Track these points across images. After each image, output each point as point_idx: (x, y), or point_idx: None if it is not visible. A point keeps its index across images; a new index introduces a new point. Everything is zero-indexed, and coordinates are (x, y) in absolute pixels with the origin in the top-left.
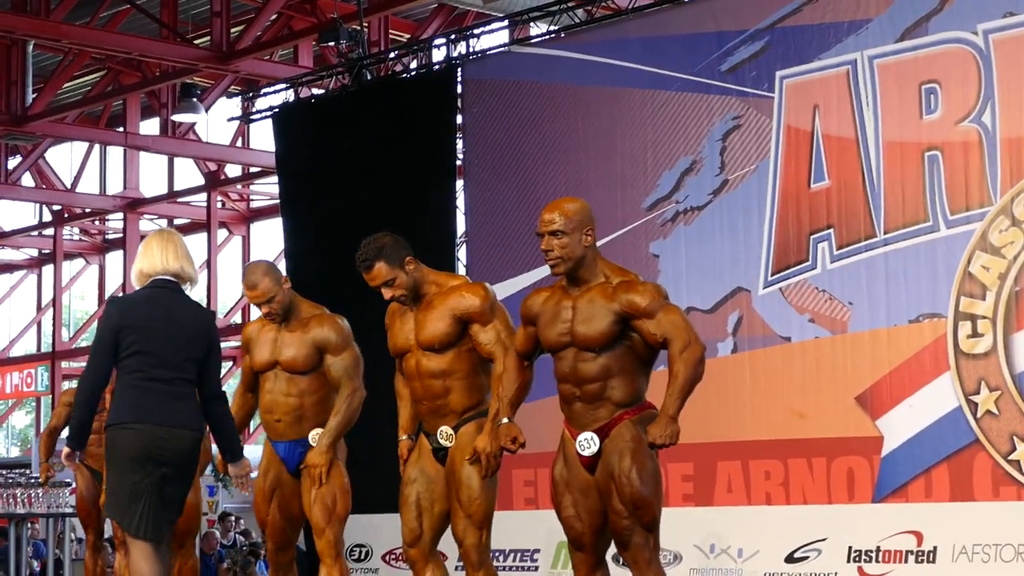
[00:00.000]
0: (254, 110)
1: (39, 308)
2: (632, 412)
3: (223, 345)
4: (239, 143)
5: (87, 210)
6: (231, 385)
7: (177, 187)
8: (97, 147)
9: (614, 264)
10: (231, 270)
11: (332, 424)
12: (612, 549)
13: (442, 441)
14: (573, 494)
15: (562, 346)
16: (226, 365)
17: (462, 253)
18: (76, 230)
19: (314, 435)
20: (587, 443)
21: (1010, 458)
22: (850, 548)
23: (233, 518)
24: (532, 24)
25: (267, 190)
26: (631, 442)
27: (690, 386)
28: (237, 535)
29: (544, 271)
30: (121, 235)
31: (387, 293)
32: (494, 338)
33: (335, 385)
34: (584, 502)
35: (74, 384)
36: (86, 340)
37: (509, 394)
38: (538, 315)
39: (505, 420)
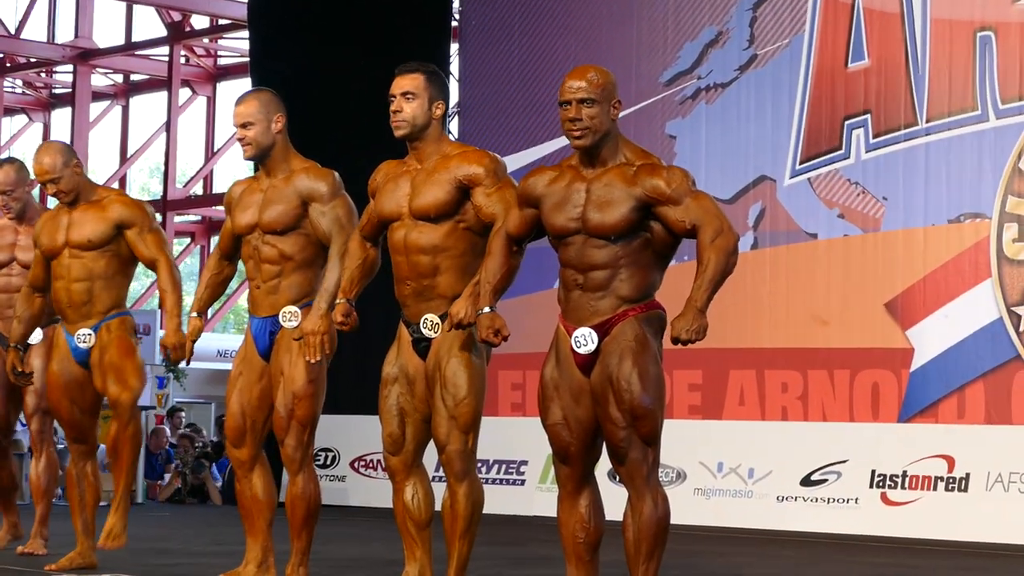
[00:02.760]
0: None
1: None
2: (639, 309)
3: (182, 219)
4: None
5: (32, 60)
6: (188, 264)
7: (135, 38)
8: None
9: (636, 145)
10: (193, 134)
11: (329, 282)
12: (606, 464)
13: (425, 331)
14: (563, 399)
15: (570, 232)
16: (185, 242)
17: (454, 125)
18: (19, 82)
19: (287, 312)
20: (584, 339)
21: None
22: (873, 472)
23: (183, 414)
24: None
25: (237, 46)
26: (634, 342)
27: (721, 278)
28: (187, 433)
29: (547, 148)
30: (70, 90)
31: (407, 109)
32: (498, 201)
33: (325, 238)
34: (574, 409)
35: None
36: None
37: (493, 279)
38: (542, 197)
39: (487, 309)
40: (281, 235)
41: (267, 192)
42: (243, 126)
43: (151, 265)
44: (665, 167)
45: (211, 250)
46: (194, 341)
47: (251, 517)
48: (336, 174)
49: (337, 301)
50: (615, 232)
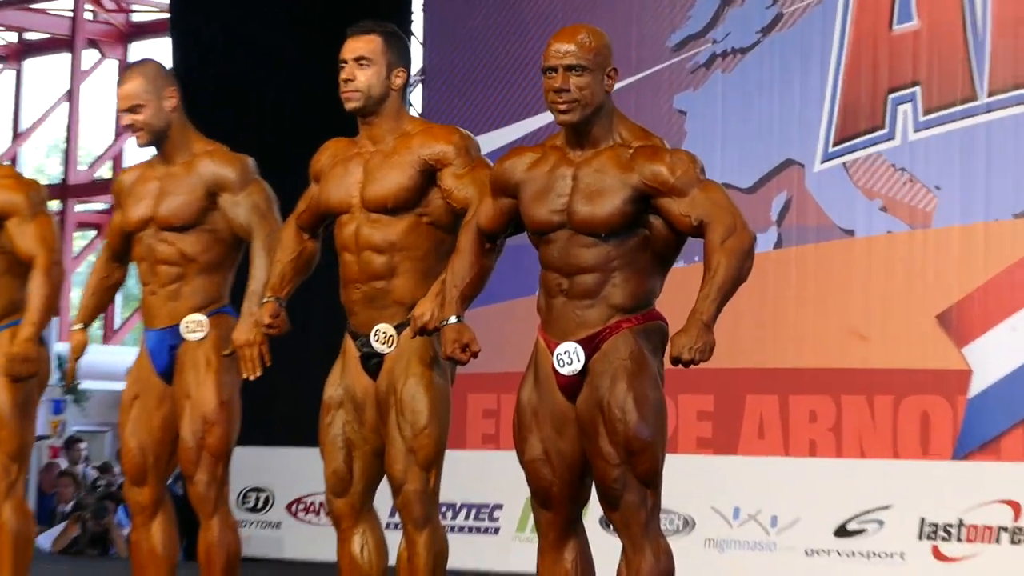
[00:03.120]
0: None
1: None
2: (635, 320)
3: (84, 208)
4: None
5: None
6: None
7: None
8: None
9: (634, 123)
10: (101, 106)
11: (257, 281)
12: (597, 509)
13: (377, 344)
14: (543, 429)
15: (553, 227)
16: (90, 235)
17: (416, 97)
18: None
19: (190, 322)
20: (568, 357)
21: None
22: (922, 521)
23: (83, 445)
24: None
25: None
26: (629, 360)
27: (732, 286)
28: (89, 469)
29: (529, 126)
30: None
31: (361, 77)
32: (471, 183)
33: (243, 232)
34: (557, 441)
35: None
36: None
37: (460, 283)
38: (521, 184)
39: (453, 319)
40: (181, 232)
41: (164, 181)
42: (130, 110)
43: (29, 262)
44: (668, 150)
45: None
46: (78, 358)
47: None
48: (249, 158)
49: (263, 300)
50: (606, 228)
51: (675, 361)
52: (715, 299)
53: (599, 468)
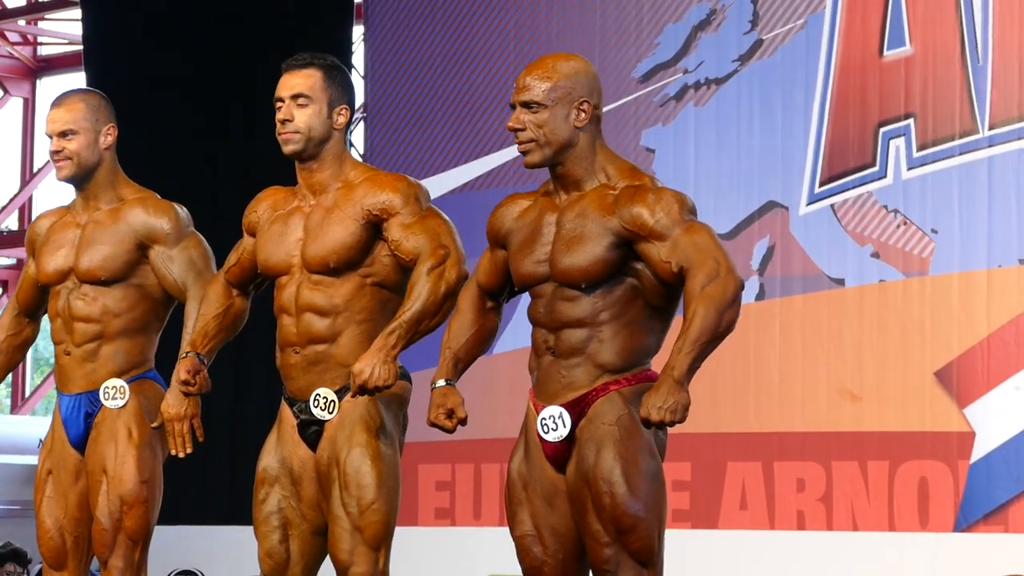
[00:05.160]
0: None
1: None
2: (624, 381)
3: None
4: None
5: None
6: None
7: None
8: None
9: (622, 160)
10: (6, 148)
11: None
12: None
13: (316, 411)
14: (533, 502)
15: (537, 280)
16: None
17: (358, 135)
18: None
19: (109, 387)
20: (552, 422)
21: None
22: None
23: None
24: None
25: (64, 29)
26: (616, 427)
27: (711, 338)
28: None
29: (481, 167)
30: None
31: (299, 117)
32: (421, 232)
33: (175, 290)
34: (548, 515)
35: None
36: None
37: (456, 344)
38: (509, 233)
39: (442, 382)
40: (105, 286)
41: (87, 228)
42: (61, 135)
43: None
44: (653, 189)
45: None
46: None
47: None
48: (181, 207)
49: (182, 355)
50: (587, 278)
51: (645, 423)
52: (690, 352)
53: (589, 547)
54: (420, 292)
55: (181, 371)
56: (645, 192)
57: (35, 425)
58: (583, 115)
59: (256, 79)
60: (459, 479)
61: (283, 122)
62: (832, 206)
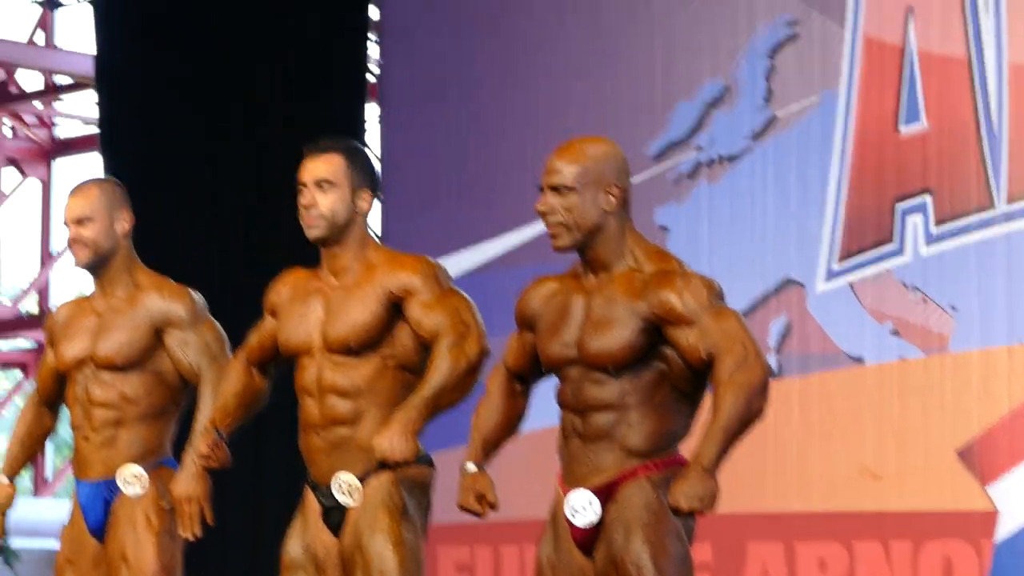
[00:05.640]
0: None
1: None
2: (653, 466)
3: (7, 346)
4: (39, 39)
5: None
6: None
7: None
8: None
9: (651, 244)
10: (24, 231)
11: (202, 426)
12: None
13: (339, 496)
14: None
15: (565, 363)
16: (14, 376)
17: (374, 214)
18: None
19: (127, 474)
20: (580, 507)
21: None
22: None
23: None
24: None
25: (81, 111)
26: (644, 512)
27: (740, 426)
28: None
29: (500, 246)
30: None
31: (323, 203)
32: (441, 312)
33: (190, 375)
34: None
35: None
36: None
37: (485, 428)
38: (537, 316)
39: (472, 466)
40: (122, 372)
41: (104, 316)
42: (78, 222)
43: None
44: (681, 274)
45: None
46: (4, 513)
47: None
48: (196, 293)
49: (200, 430)
50: (616, 362)
51: (674, 511)
52: (718, 441)
53: None
54: (440, 367)
55: (201, 445)
56: (673, 277)
57: (58, 508)
58: (612, 199)
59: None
60: (479, 561)
61: (306, 207)
62: (850, 283)
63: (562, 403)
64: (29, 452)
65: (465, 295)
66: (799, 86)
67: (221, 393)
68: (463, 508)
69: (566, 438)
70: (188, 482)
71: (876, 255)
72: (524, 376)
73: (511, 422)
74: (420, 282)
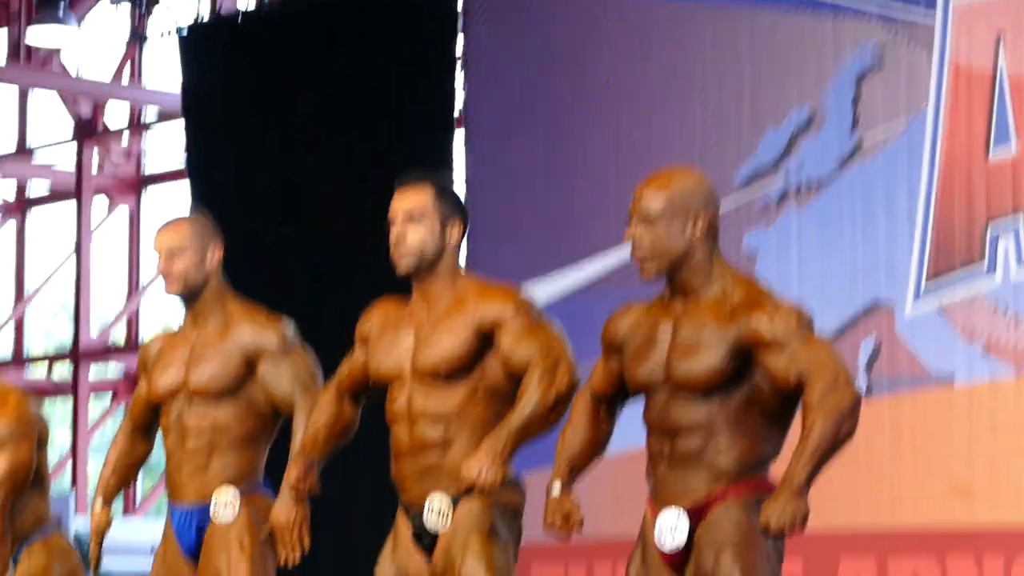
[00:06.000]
0: (150, 26)
1: None
2: (743, 488)
3: (98, 375)
4: (126, 75)
5: None
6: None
7: (33, 140)
8: None
9: (740, 272)
10: (111, 259)
11: (296, 453)
12: None
13: (430, 520)
14: None
15: (652, 386)
16: (105, 401)
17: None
18: None
19: (221, 500)
20: (670, 529)
21: None
22: None
23: None
24: None
25: (168, 144)
26: (735, 532)
27: (830, 447)
28: None
29: (585, 272)
30: None
31: (412, 236)
32: (531, 343)
33: (283, 404)
34: None
35: None
36: None
37: (569, 452)
38: (624, 341)
39: (557, 488)
40: (215, 401)
41: (196, 346)
42: (169, 254)
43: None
44: (771, 301)
45: None
46: (101, 540)
47: None
48: (289, 321)
49: (292, 459)
50: (705, 385)
51: (764, 531)
52: (808, 463)
53: None
54: (531, 397)
55: (292, 474)
56: (764, 303)
57: (148, 528)
58: (699, 227)
59: (356, 186)
60: None
61: (397, 241)
62: (940, 305)
63: (649, 427)
64: (123, 479)
65: (555, 326)
66: (886, 111)
67: (312, 423)
68: (548, 529)
69: (654, 462)
70: (288, 509)
71: (966, 276)
72: (609, 400)
73: (596, 446)
74: (511, 313)
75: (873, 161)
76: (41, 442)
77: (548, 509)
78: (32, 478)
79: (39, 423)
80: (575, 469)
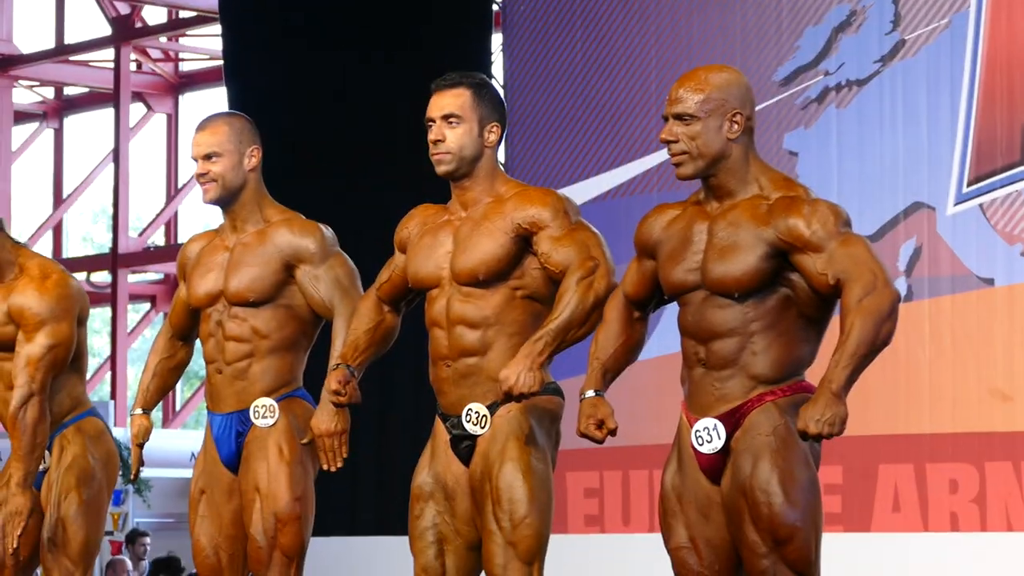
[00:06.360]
0: None
1: None
2: (780, 392)
3: (138, 279)
4: None
5: None
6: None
7: (69, 39)
8: None
9: (776, 171)
10: (150, 162)
11: (334, 359)
12: None
13: (469, 426)
14: (688, 514)
15: (687, 288)
16: (143, 308)
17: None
18: None
19: (260, 406)
20: (707, 435)
21: None
22: None
23: (148, 539)
24: None
25: (205, 45)
26: (772, 437)
27: (869, 350)
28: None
29: (622, 175)
30: None
31: (451, 137)
32: (570, 245)
33: (323, 310)
34: (703, 527)
35: None
36: None
37: (604, 355)
38: (659, 243)
39: (591, 393)
40: (254, 307)
41: (235, 251)
42: (206, 157)
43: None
44: (808, 201)
45: None
46: (142, 445)
47: None
48: (326, 227)
49: (332, 366)
50: (740, 287)
51: (803, 435)
52: (847, 365)
53: (746, 558)
54: (569, 301)
55: (332, 382)
56: (801, 203)
57: (187, 439)
58: (736, 127)
59: (394, 88)
60: (607, 486)
61: (435, 142)
62: (981, 205)
63: (684, 330)
64: (163, 385)
65: (594, 229)
66: (928, 10)
67: (352, 330)
68: (582, 434)
69: (689, 367)
70: (329, 417)
71: (1007, 177)
72: (642, 303)
73: (630, 349)
74: (550, 216)
75: (915, 60)
76: (81, 319)
77: (582, 414)
78: (71, 357)
79: (80, 300)
80: (608, 372)
